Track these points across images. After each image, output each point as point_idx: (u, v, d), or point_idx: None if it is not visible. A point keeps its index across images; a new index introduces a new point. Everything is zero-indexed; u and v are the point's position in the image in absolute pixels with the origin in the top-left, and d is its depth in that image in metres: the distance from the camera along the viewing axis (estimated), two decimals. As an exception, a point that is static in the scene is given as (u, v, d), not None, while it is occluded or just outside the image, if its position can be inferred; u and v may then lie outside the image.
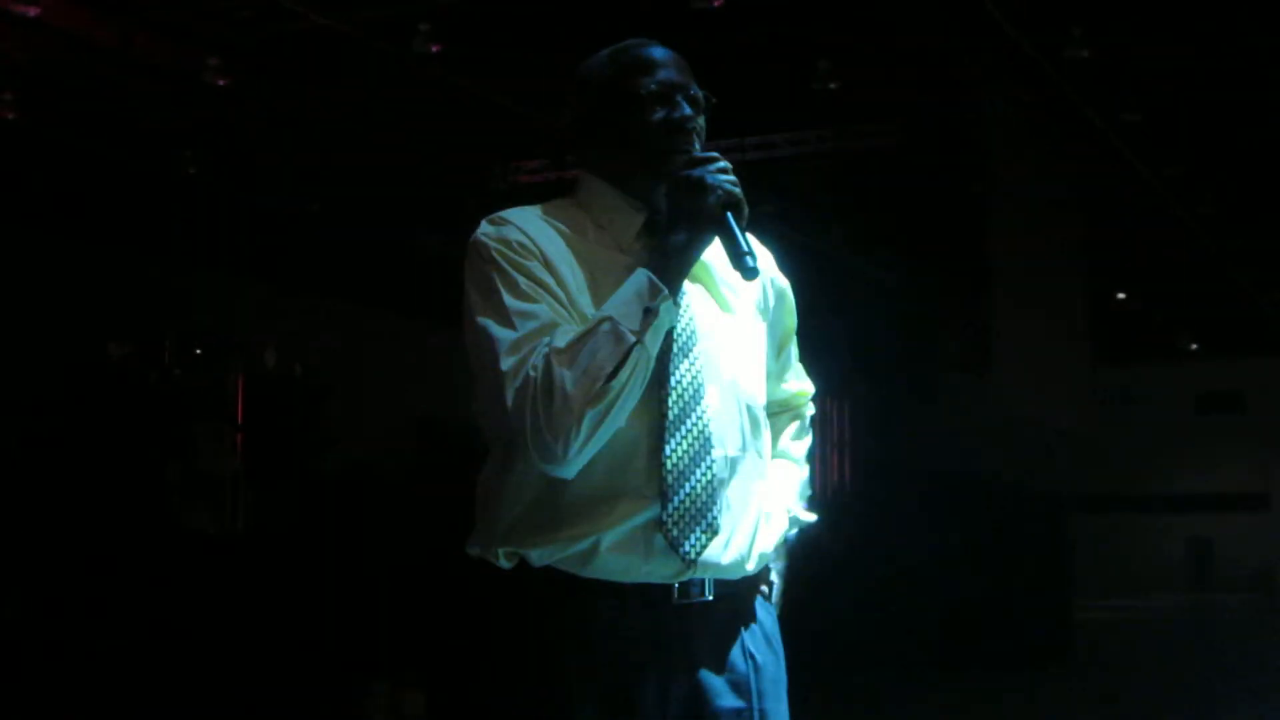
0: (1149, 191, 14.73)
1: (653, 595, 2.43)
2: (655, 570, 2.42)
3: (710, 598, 2.48)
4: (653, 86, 2.55)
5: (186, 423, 11.12)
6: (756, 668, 2.53)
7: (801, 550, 2.87)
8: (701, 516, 2.42)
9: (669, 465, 2.41)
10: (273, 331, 13.46)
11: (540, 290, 2.40)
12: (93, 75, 12.64)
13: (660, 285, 2.37)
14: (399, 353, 16.58)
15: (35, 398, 10.24)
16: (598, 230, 2.54)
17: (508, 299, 2.39)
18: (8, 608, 8.20)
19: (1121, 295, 20.27)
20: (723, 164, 2.47)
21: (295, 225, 15.86)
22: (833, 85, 11.64)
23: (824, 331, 19.03)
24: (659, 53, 2.61)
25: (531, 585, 2.43)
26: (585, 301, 2.43)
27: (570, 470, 2.33)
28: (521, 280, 2.40)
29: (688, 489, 2.43)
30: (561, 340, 2.33)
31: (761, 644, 2.57)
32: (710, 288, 2.58)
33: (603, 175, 2.59)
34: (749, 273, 2.44)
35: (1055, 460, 18.45)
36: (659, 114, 2.53)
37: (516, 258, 2.42)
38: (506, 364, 2.33)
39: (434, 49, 11.22)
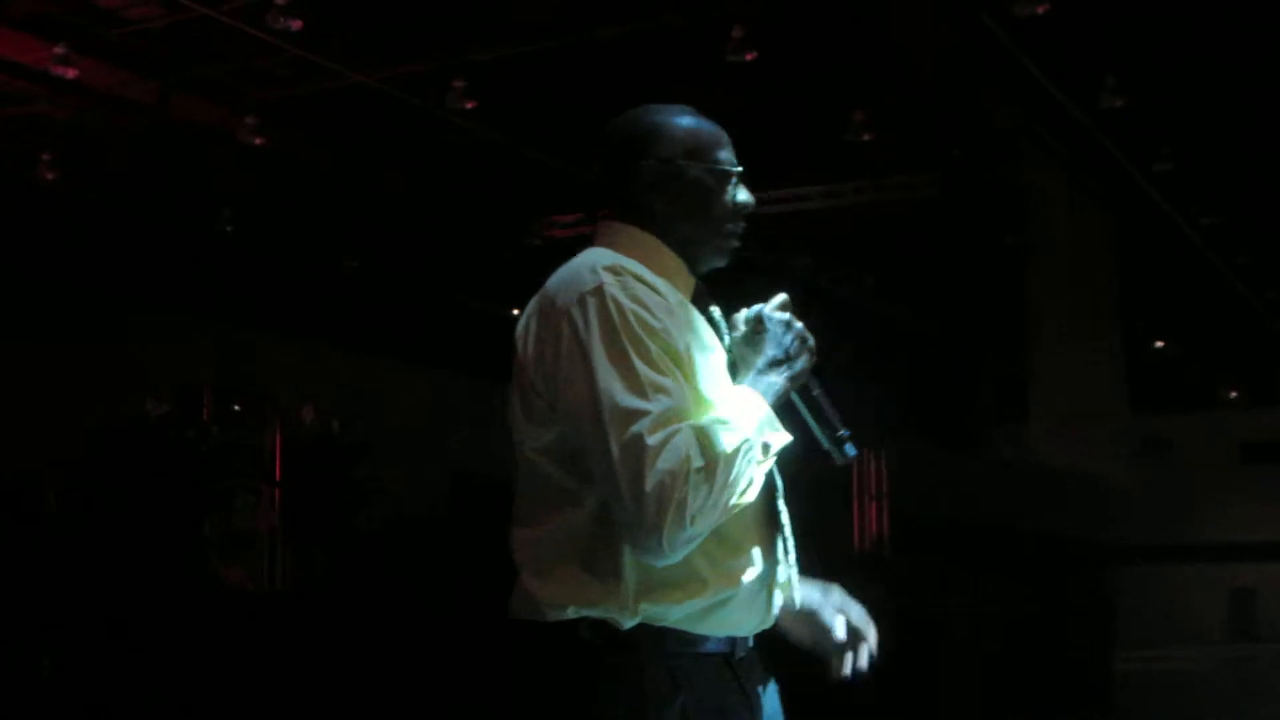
0: (1185, 240, 14.67)
1: (730, 648, 2.48)
2: (753, 624, 2.50)
3: (753, 645, 2.54)
4: (737, 166, 2.59)
5: (224, 480, 11.14)
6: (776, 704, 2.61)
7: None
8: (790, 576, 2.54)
9: (781, 522, 2.51)
10: (310, 388, 13.50)
11: (668, 362, 2.33)
12: (130, 134, 12.75)
13: (783, 433, 2.41)
14: (435, 408, 16.61)
15: (72, 455, 10.27)
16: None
17: (641, 367, 2.30)
18: (44, 666, 8.20)
19: (1159, 344, 20.17)
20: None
21: (331, 282, 15.93)
22: (866, 137, 11.65)
23: (860, 382, 18.97)
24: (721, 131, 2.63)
25: (642, 644, 2.38)
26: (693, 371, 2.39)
27: (661, 562, 2.30)
28: (654, 348, 2.32)
29: (791, 546, 2.53)
30: (728, 444, 2.29)
31: (773, 683, 2.61)
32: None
33: (658, 234, 2.55)
34: (844, 456, 2.54)
35: (1094, 510, 18.30)
36: (737, 195, 2.56)
37: (650, 320, 2.34)
38: (653, 439, 2.25)
39: (468, 105, 11.27)
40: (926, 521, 17.97)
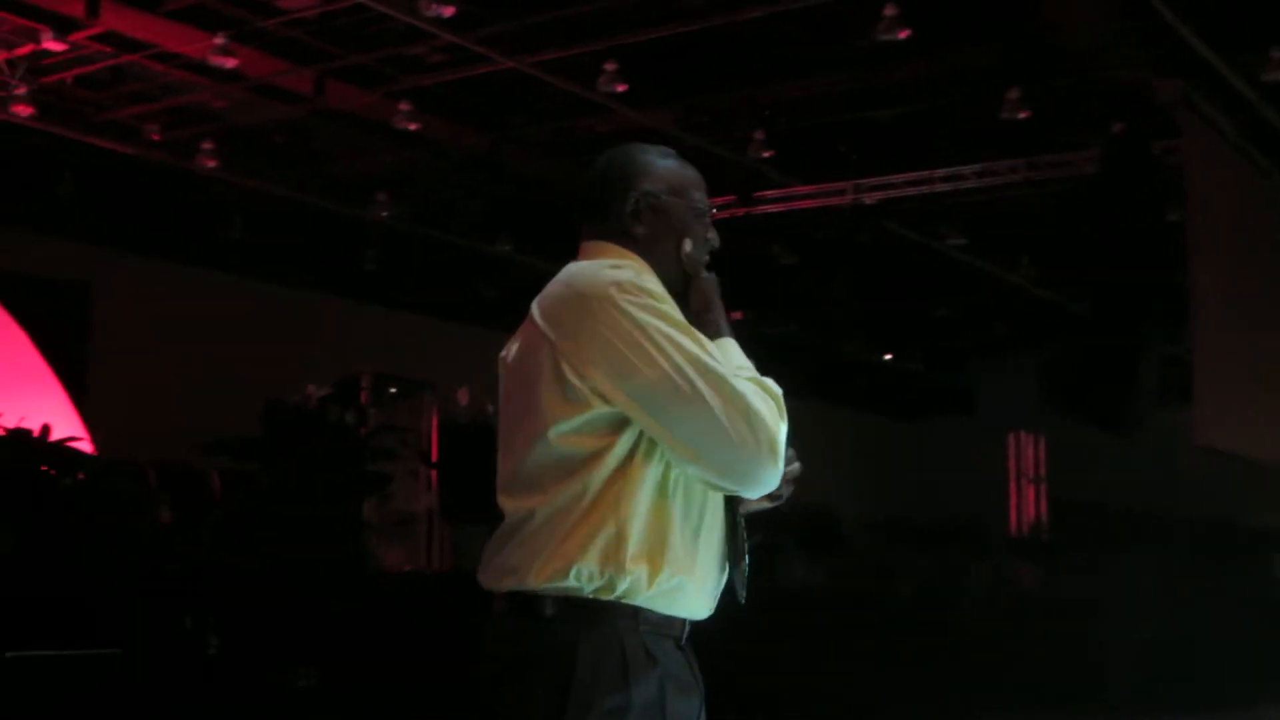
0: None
1: (682, 632, 2.75)
2: (704, 609, 2.77)
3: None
4: (712, 209, 2.96)
5: (382, 462, 11.27)
6: None
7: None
8: (745, 570, 2.80)
9: (740, 525, 2.78)
10: (465, 371, 13.62)
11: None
12: (288, 123, 12.95)
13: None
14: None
15: (236, 439, 10.45)
16: None
17: (701, 336, 2.64)
18: (210, 645, 8.36)
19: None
20: None
21: (486, 265, 16.04)
22: (1022, 115, 11.47)
23: (1018, 366, 18.74)
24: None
25: (619, 618, 2.63)
26: None
27: (766, 490, 2.64)
28: (689, 325, 2.66)
29: (745, 545, 2.80)
30: (768, 380, 2.65)
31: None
32: None
33: (642, 258, 2.85)
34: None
35: (1260, 495, 17.89)
36: (709, 234, 2.92)
37: (670, 309, 2.66)
38: (742, 385, 2.59)
39: (620, 89, 11.28)
40: (1085, 505, 17.70)
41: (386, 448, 11.41)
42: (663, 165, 2.92)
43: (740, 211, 14.24)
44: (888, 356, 21.09)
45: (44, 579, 8.00)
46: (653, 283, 2.70)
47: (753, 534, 2.81)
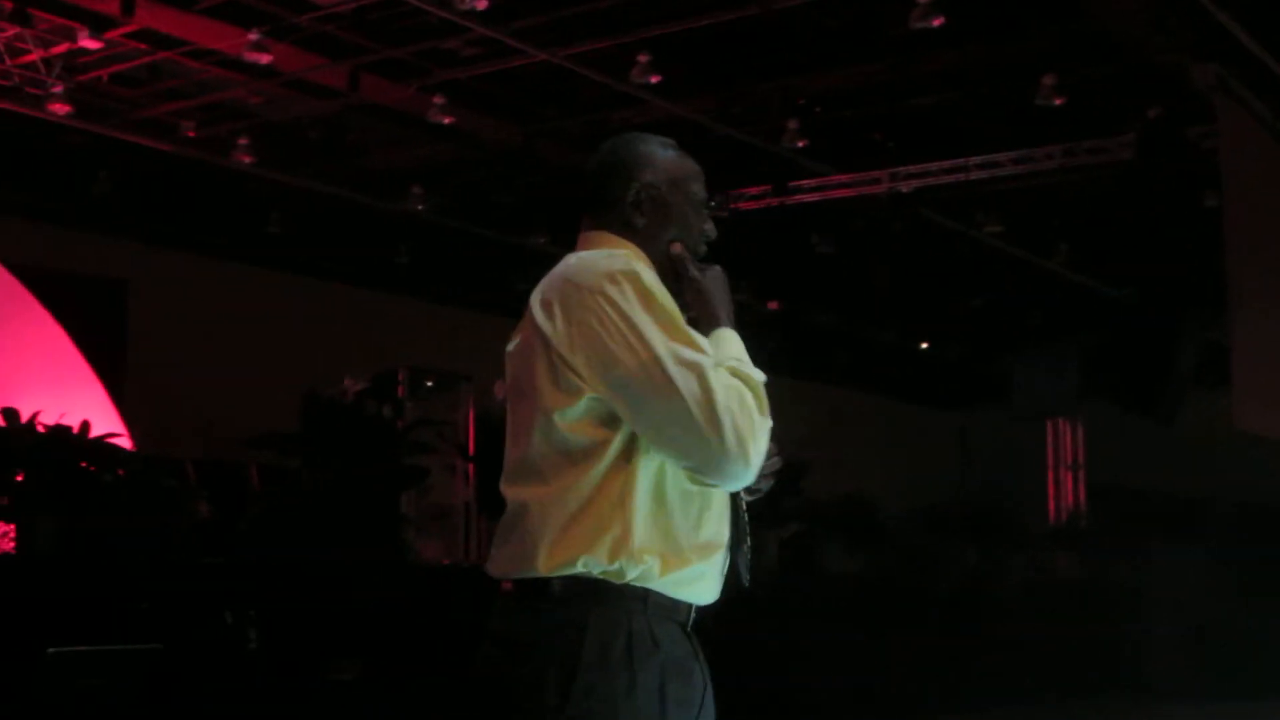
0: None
1: (688, 618, 2.77)
2: (712, 595, 2.80)
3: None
4: (710, 201, 3.00)
5: (420, 455, 11.29)
6: None
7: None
8: (747, 554, 2.84)
9: (742, 512, 2.81)
10: (501, 364, 13.63)
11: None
12: (322, 117, 12.98)
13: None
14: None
15: (273, 432, 10.49)
16: None
17: (684, 328, 2.64)
18: (250, 638, 8.39)
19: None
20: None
21: (521, 258, 16.06)
22: (1058, 101, 11.42)
23: (1056, 352, 18.67)
24: None
25: (627, 601, 2.65)
26: None
27: (741, 485, 2.65)
28: (679, 317, 2.66)
29: (748, 533, 2.84)
30: (756, 374, 2.67)
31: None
32: None
33: (640, 248, 2.87)
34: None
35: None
36: (706, 226, 2.95)
37: (662, 300, 2.66)
38: (718, 380, 2.58)
39: (653, 80, 11.27)
40: (1124, 491, 17.63)
41: (424, 441, 11.43)
42: (664, 156, 2.94)
43: (775, 201, 14.21)
44: (925, 345, 21.04)
45: (85, 575, 8.04)
46: (648, 274, 2.70)
47: (788, 525, 2.83)
